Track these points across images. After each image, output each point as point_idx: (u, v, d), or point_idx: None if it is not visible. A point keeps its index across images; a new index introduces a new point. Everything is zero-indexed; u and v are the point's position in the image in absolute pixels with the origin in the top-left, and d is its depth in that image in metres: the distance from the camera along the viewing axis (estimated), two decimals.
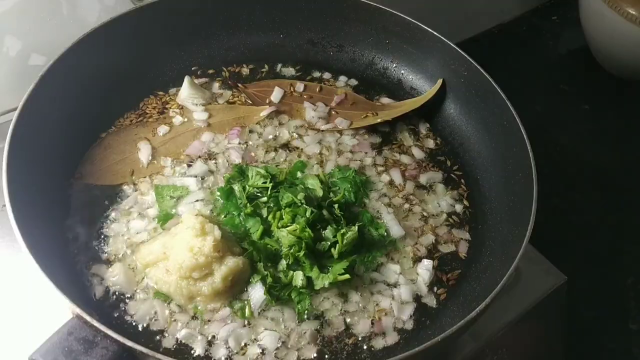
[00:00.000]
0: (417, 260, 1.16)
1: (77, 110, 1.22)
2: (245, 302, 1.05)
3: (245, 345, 1.02)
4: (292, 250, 1.08)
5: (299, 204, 1.11)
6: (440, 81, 1.38)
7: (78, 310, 0.88)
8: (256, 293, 1.06)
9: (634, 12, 1.65)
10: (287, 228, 1.09)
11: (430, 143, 1.37)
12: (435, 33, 1.36)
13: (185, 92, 1.34)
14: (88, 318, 0.88)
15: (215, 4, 1.41)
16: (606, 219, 1.59)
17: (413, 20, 1.39)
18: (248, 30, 1.46)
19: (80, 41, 1.22)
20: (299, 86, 1.41)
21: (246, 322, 1.04)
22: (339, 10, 1.44)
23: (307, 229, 1.09)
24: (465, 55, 1.33)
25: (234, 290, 1.06)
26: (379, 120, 1.36)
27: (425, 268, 1.14)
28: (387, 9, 1.40)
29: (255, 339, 1.03)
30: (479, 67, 1.31)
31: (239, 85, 1.40)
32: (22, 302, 1.11)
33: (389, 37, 1.44)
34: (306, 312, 1.06)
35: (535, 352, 1.31)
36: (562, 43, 2.01)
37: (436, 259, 1.17)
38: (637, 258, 1.54)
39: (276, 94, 1.39)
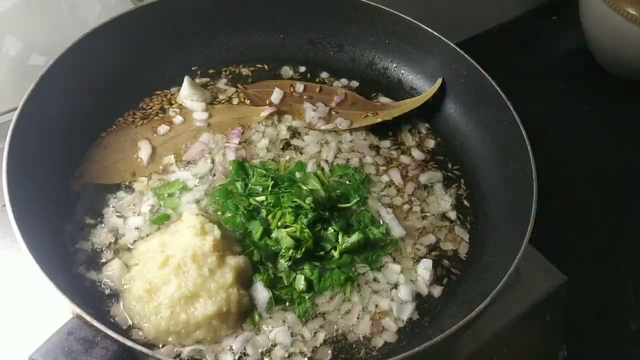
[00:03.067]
0: (417, 260, 1.16)
1: (77, 110, 1.22)
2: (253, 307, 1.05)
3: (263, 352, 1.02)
4: (290, 252, 1.08)
5: (307, 208, 1.11)
6: (439, 80, 1.38)
7: (78, 310, 0.88)
8: (260, 294, 1.06)
9: (634, 12, 1.64)
10: (287, 229, 1.09)
11: (430, 143, 1.37)
12: (435, 33, 1.36)
13: (185, 92, 1.34)
14: (88, 318, 0.88)
15: (215, 4, 1.41)
16: (606, 219, 1.59)
17: (413, 20, 1.39)
18: (248, 30, 1.46)
19: (80, 41, 1.22)
20: (299, 86, 1.41)
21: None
22: (339, 10, 1.44)
23: (307, 230, 1.09)
24: (465, 55, 1.33)
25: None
26: (379, 120, 1.36)
27: (425, 268, 1.14)
28: (387, 9, 1.40)
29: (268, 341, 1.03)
30: (479, 67, 1.31)
31: (239, 86, 1.40)
32: (22, 302, 1.11)
33: (389, 37, 1.44)
34: (306, 314, 1.06)
35: (535, 352, 1.31)
36: (562, 43, 2.01)
37: (436, 258, 1.17)
38: (637, 258, 1.53)
39: (276, 95, 1.39)
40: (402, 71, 1.46)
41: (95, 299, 1.03)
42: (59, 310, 0.98)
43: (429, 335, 1.01)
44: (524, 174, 1.16)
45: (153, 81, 1.36)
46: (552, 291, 1.26)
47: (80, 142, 1.22)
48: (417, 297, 1.12)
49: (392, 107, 1.40)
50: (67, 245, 1.09)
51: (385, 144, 1.35)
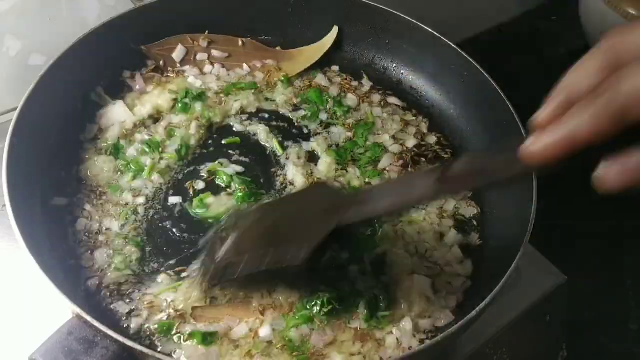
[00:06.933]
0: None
1: (77, 110, 1.22)
2: None
3: None
4: None
5: None
6: (335, 29, 1.42)
7: (78, 310, 0.88)
8: None
9: (634, 12, 1.64)
10: None
11: (432, 143, 1.36)
12: (435, 33, 1.36)
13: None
14: (88, 318, 0.88)
15: (214, 4, 1.41)
16: (606, 219, 1.59)
17: (413, 20, 1.39)
18: (248, 30, 1.45)
19: (80, 41, 1.22)
20: (203, 42, 1.40)
21: None
22: (339, 10, 1.44)
23: None
24: (465, 55, 1.33)
25: None
26: (282, 76, 1.38)
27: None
28: (387, 9, 1.40)
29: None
30: (479, 67, 1.30)
31: (142, 47, 1.34)
32: (22, 302, 1.11)
33: (389, 37, 1.44)
34: None
35: (536, 352, 1.31)
36: (562, 43, 2.01)
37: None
38: (637, 258, 1.53)
39: (178, 54, 1.37)
40: (402, 71, 1.46)
41: (95, 299, 1.03)
42: (59, 310, 0.98)
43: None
44: None
45: None
46: (552, 291, 1.26)
47: (80, 142, 1.22)
48: None
49: (292, 56, 1.42)
50: (68, 245, 1.09)
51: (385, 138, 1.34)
